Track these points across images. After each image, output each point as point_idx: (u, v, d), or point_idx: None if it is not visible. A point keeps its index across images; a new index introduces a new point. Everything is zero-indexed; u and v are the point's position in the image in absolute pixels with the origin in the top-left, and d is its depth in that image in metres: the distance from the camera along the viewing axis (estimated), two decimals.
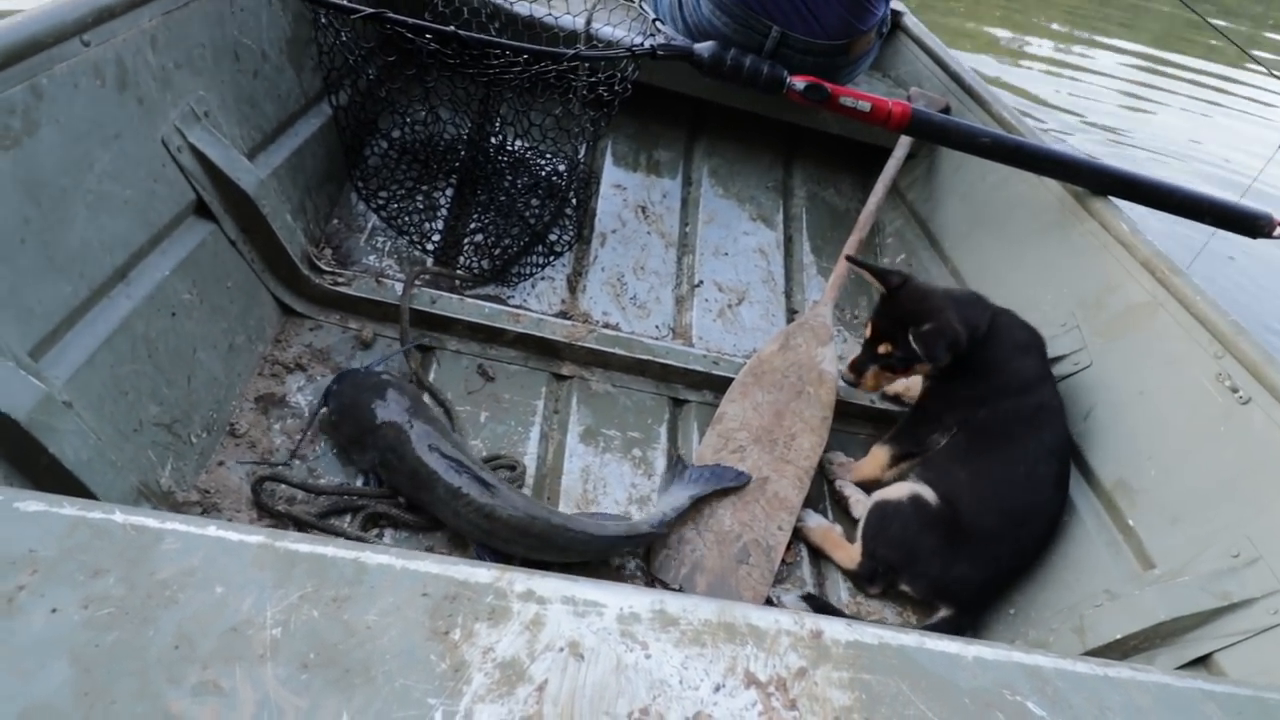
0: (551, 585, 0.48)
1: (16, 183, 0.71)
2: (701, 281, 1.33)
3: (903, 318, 1.01)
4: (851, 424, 1.21)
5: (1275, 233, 1.15)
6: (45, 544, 0.43)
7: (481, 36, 0.98)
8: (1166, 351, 0.95)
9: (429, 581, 0.46)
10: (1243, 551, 0.80)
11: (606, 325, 1.21)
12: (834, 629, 0.50)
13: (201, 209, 0.95)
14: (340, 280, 1.10)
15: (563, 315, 1.20)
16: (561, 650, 0.44)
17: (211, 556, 0.45)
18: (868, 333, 1.06)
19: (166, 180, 0.89)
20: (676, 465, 1.02)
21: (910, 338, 0.99)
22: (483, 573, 0.47)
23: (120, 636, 0.40)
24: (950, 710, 0.47)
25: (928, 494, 0.99)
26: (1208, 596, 0.79)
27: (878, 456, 1.09)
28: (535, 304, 1.22)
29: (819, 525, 1.04)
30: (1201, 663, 0.79)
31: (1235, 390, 0.87)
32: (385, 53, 1.07)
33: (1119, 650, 0.84)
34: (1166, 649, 0.81)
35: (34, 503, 0.45)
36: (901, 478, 1.06)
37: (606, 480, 1.01)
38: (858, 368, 1.08)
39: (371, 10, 0.95)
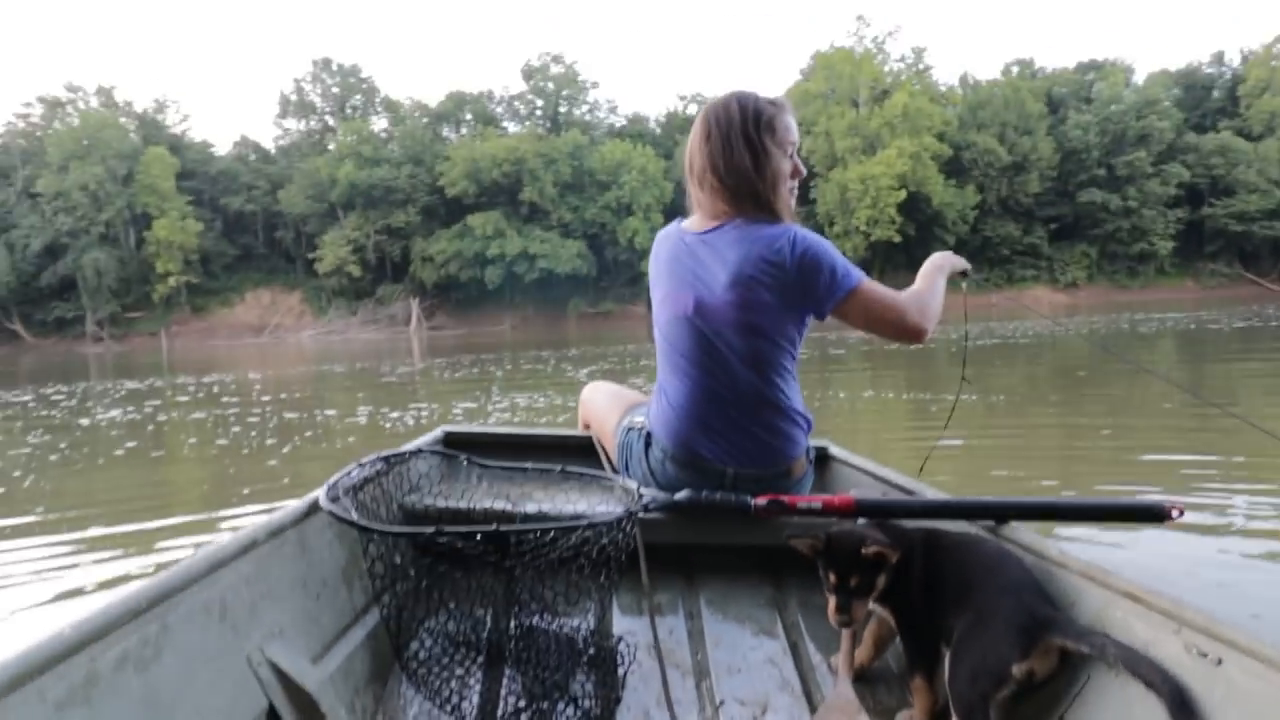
0: None
1: (142, 702, 0.88)
2: (723, 701, 1.41)
3: (849, 552, 1.27)
4: None
5: (1174, 515, 1.34)
6: None
7: (514, 527, 1.23)
8: (1133, 641, 1.06)
9: None
10: None
11: None
12: None
13: (272, 715, 1.08)
14: None
15: None
16: None
17: None
18: (832, 581, 1.28)
19: (247, 691, 1.05)
20: None
21: (864, 554, 1.26)
22: None
23: None
24: None
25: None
26: None
27: (921, 693, 1.27)
28: None
29: None
30: None
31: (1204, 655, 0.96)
32: (423, 555, 1.33)
33: None
34: None
35: None
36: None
37: None
38: (843, 608, 1.27)
39: (433, 529, 1.20)
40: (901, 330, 1.63)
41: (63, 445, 7.31)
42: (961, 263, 1.86)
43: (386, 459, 1.64)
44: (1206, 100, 51.56)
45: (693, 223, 1.71)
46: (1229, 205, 45.41)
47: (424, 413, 8.35)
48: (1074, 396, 7.54)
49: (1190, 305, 29.68)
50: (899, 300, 1.63)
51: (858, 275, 1.60)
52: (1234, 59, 52.35)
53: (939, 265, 1.80)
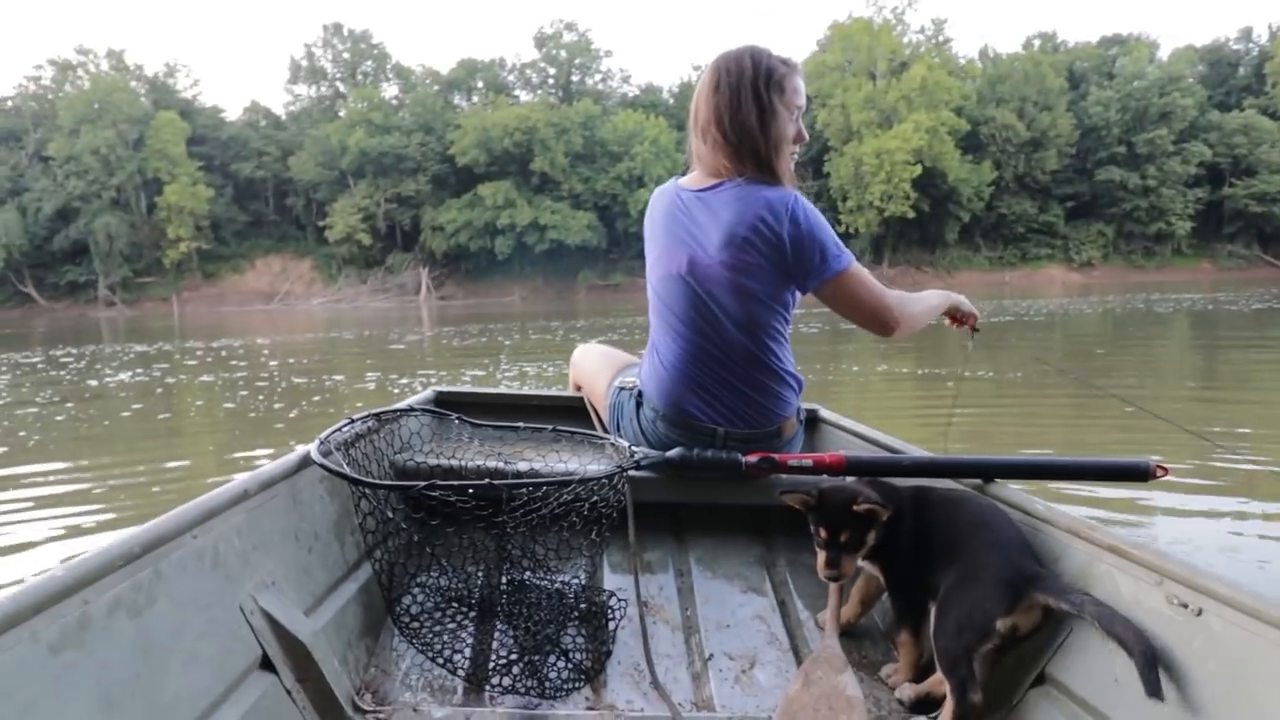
0: None
1: (135, 646, 0.88)
2: (712, 655, 1.42)
3: (841, 508, 1.28)
4: None
5: (1159, 473, 1.34)
6: None
7: (507, 482, 1.24)
8: (1117, 593, 1.06)
9: None
10: None
11: (631, 712, 1.27)
12: None
13: (265, 663, 1.10)
14: (381, 716, 1.20)
15: (588, 710, 1.27)
16: None
17: None
18: (823, 536, 1.29)
19: (240, 639, 1.06)
20: None
21: (856, 510, 1.27)
22: None
23: None
24: None
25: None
26: None
27: (907, 646, 1.30)
28: (561, 706, 1.29)
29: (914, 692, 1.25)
30: None
31: (1185, 606, 0.96)
32: (415, 511, 1.33)
33: None
34: None
35: None
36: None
37: None
38: (833, 562, 1.29)
39: (425, 484, 1.21)
40: (878, 321, 1.63)
41: (70, 405, 7.39)
42: (968, 306, 1.85)
43: (378, 416, 1.64)
44: (1232, 77, 50.48)
45: (691, 180, 1.69)
46: (1250, 186, 44.60)
47: (432, 379, 8.39)
48: (1088, 373, 7.50)
49: (1206, 287, 29.37)
50: (883, 292, 1.63)
51: (847, 258, 1.58)
52: (1262, 35, 51.25)
53: (943, 292, 1.83)
